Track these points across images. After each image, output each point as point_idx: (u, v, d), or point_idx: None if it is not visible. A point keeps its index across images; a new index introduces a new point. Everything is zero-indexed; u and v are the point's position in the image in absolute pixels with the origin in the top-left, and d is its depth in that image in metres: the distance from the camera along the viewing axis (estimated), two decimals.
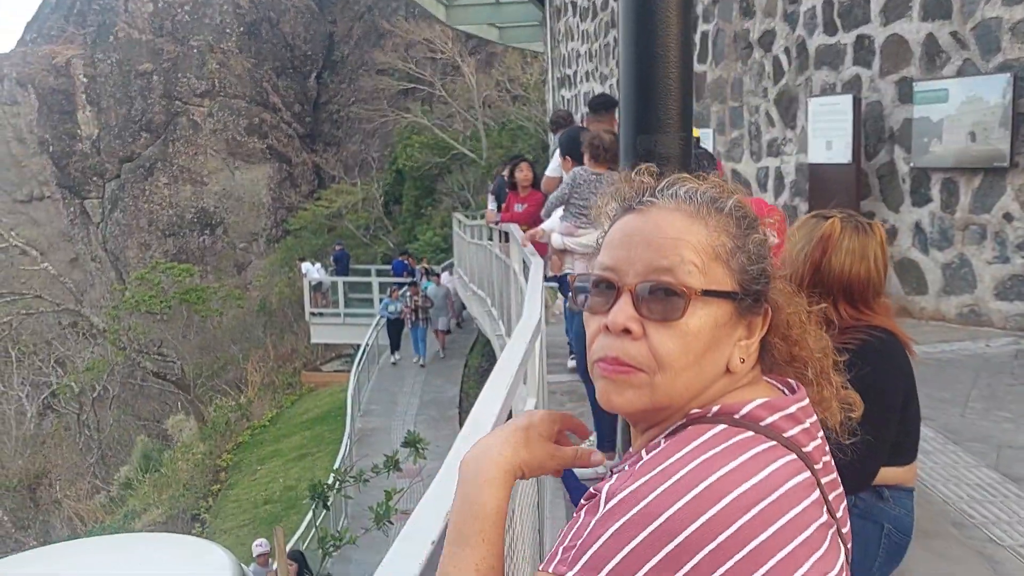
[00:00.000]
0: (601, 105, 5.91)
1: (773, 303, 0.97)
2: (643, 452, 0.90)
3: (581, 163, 4.92)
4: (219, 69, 38.79)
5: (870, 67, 7.86)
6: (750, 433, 0.87)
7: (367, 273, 26.49)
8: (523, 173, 7.67)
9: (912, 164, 7.46)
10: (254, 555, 10.31)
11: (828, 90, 8.34)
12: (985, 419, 4.81)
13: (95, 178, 38.55)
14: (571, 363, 6.28)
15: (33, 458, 28.39)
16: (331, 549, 7.67)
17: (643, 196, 0.98)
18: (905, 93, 7.49)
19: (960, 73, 6.99)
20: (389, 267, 25.90)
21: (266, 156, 38.75)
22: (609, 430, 4.40)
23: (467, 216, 16.68)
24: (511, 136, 29.47)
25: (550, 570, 0.82)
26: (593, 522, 0.82)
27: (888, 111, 7.73)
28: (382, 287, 23.22)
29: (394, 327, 20.42)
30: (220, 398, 26.19)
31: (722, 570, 0.77)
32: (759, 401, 0.91)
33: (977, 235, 6.98)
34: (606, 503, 0.83)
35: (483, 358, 18.65)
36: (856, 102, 7.83)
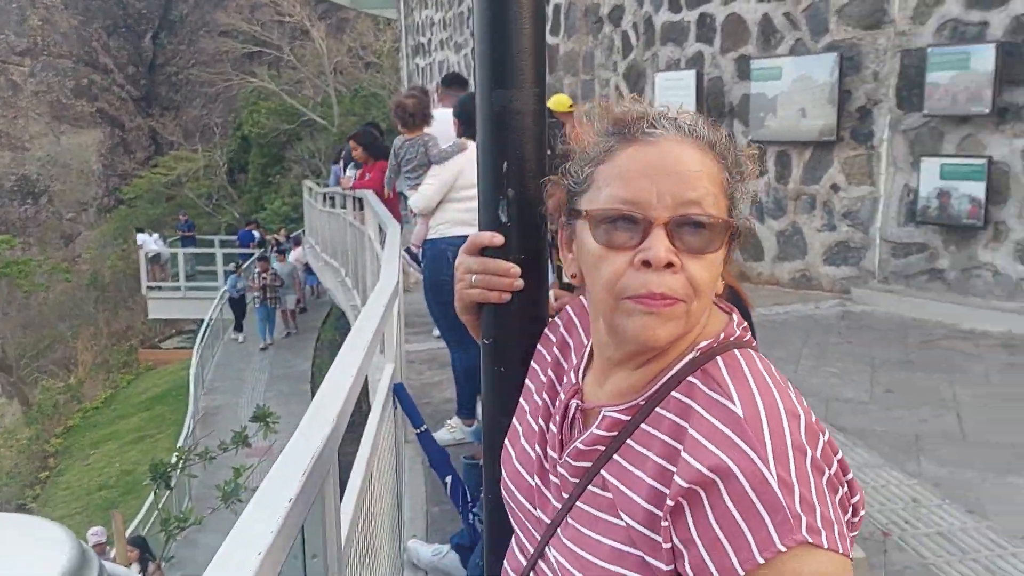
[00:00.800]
0: (454, 81, 6.48)
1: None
2: (685, 398, 0.93)
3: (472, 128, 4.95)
4: (42, 26, 35.68)
5: (712, 44, 8.19)
6: (750, 349, 0.98)
7: (210, 244, 25.18)
8: (355, 152, 7.96)
9: (750, 138, 7.86)
10: (90, 544, 9.68)
11: (673, 66, 8.63)
12: (815, 375, 5.18)
13: None
14: (436, 332, 6.20)
15: None
16: (175, 531, 7.33)
17: (643, 126, 0.97)
18: (743, 70, 7.87)
19: (792, 52, 7.41)
20: (235, 238, 24.75)
21: (96, 120, 36.05)
22: (469, 397, 4.40)
23: (319, 184, 16.14)
24: (363, 103, 28.80)
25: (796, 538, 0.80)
26: (748, 486, 0.82)
27: (728, 87, 8.10)
28: (226, 259, 22.11)
29: (237, 305, 19.30)
30: (47, 379, 24.51)
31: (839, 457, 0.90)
32: (735, 319, 1.02)
33: (807, 204, 7.46)
34: (729, 472, 0.83)
35: (336, 331, 18.16)
36: (699, 77, 8.16)
